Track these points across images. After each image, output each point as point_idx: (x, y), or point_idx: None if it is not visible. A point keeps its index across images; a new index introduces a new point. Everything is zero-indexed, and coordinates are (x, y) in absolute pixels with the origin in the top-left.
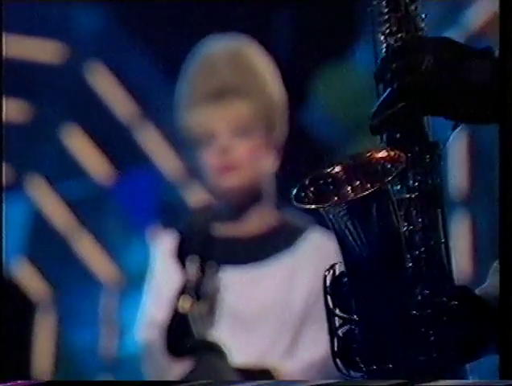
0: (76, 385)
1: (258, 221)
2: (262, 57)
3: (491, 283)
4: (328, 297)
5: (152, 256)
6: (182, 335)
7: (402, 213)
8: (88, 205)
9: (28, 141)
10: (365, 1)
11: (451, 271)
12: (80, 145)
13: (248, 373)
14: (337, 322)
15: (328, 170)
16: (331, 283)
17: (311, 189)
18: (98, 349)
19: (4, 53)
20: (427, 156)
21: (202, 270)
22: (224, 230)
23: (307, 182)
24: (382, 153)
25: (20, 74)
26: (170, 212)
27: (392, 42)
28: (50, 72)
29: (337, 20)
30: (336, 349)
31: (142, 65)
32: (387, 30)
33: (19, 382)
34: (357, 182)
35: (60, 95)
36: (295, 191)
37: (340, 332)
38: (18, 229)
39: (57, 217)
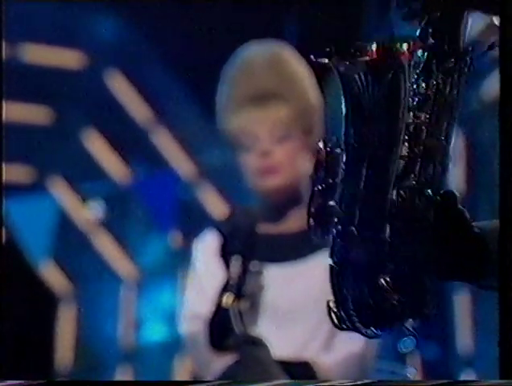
0: (74, 385)
1: (297, 221)
2: (299, 61)
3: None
4: (318, 166)
5: (195, 254)
6: (224, 330)
7: (414, 103)
8: (108, 205)
9: (51, 143)
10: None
11: (444, 173)
12: (99, 148)
13: (288, 365)
14: (320, 187)
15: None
16: (325, 153)
17: (332, 48)
18: (117, 340)
19: (28, 61)
20: (452, 60)
21: (244, 269)
22: (265, 229)
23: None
24: (406, 45)
25: (43, 81)
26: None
27: None
28: (71, 79)
29: (346, 25)
30: (313, 210)
31: (159, 71)
32: None
33: (19, 382)
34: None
35: (81, 100)
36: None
37: (320, 196)
38: (42, 228)
39: (79, 216)
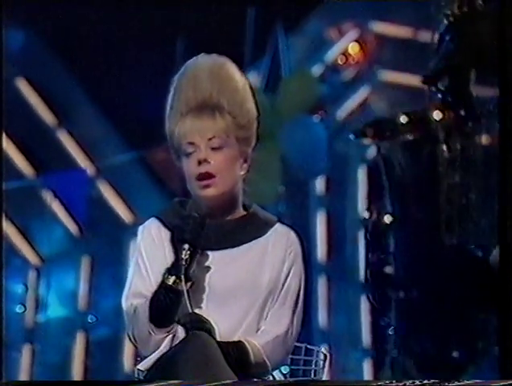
0: (63, 385)
1: (234, 215)
2: (240, 75)
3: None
4: (368, 236)
5: (139, 239)
6: (167, 310)
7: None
8: (16, 198)
9: None
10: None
11: (479, 227)
12: (8, 148)
13: (225, 345)
14: (374, 254)
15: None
16: (372, 226)
17: (371, 127)
18: (22, 321)
19: None
20: (470, 123)
21: (188, 254)
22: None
23: (368, 123)
24: (437, 113)
25: None
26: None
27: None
28: None
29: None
30: (369, 278)
31: (63, 78)
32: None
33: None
34: (413, 133)
35: None
36: (354, 130)
37: (373, 267)
38: None
39: None
